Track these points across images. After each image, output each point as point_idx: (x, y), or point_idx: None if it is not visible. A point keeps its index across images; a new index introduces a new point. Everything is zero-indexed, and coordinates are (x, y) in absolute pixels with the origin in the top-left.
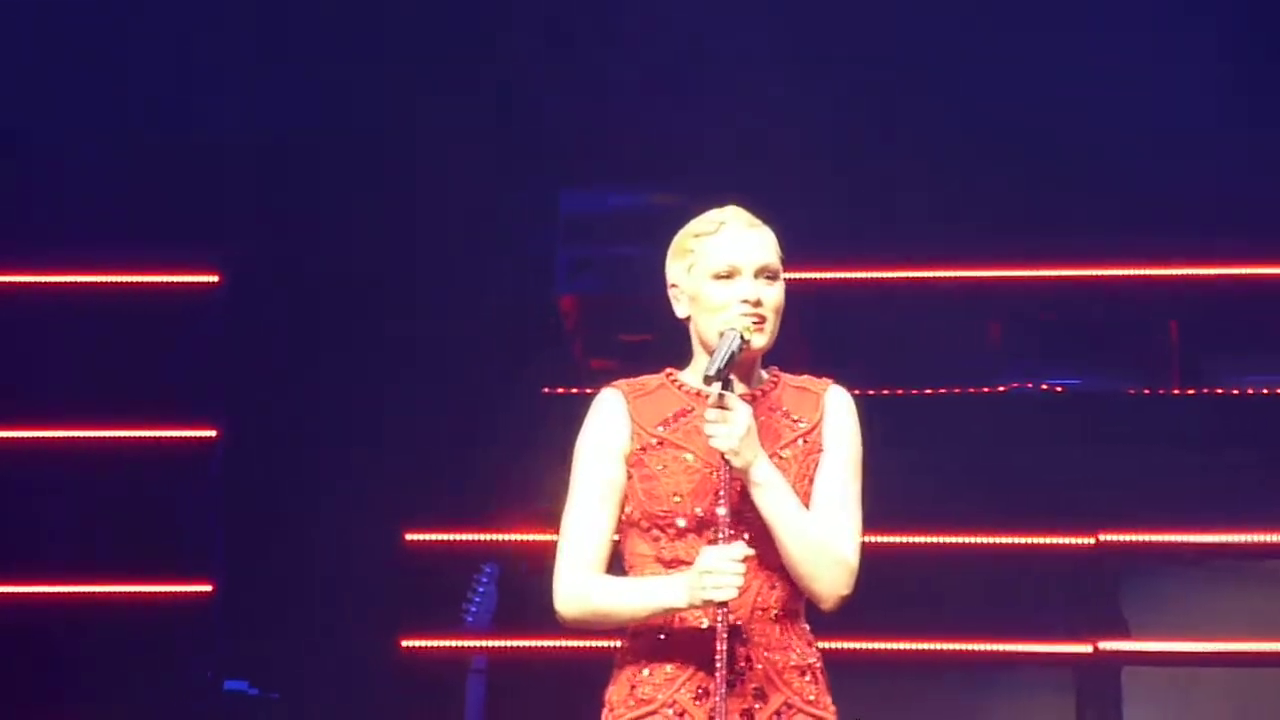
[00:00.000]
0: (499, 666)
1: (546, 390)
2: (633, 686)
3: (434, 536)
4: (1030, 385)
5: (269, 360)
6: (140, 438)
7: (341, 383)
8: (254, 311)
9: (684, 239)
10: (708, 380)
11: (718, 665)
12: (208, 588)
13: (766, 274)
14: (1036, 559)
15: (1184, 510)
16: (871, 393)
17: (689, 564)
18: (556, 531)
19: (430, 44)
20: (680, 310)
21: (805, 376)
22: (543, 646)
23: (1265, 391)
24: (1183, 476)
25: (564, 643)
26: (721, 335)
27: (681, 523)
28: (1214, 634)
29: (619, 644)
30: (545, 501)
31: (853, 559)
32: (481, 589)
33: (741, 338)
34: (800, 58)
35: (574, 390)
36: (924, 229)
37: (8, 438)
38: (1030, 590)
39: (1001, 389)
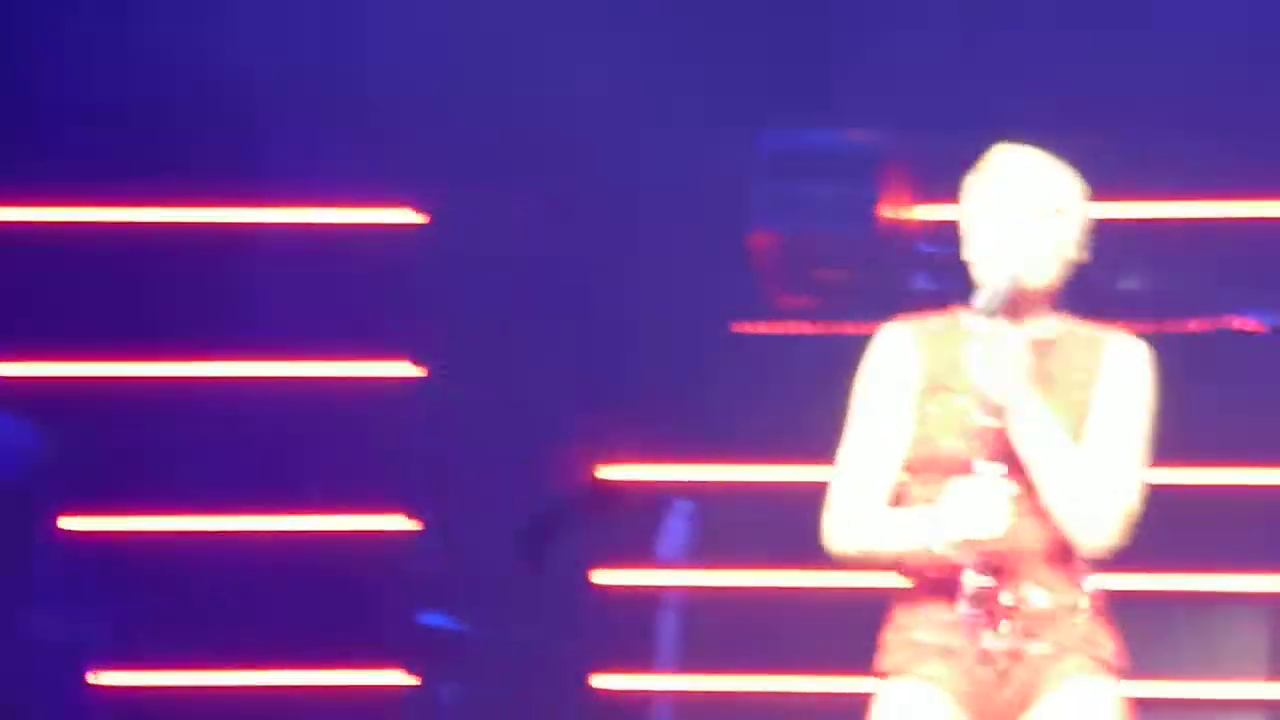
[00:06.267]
0: (693, 603)
1: (737, 328)
2: (905, 629)
3: (625, 473)
4: (1226, 324)
5: (469, 299)
6: (346, 376)
7: (539, 322)
8: (459, 252)
9: (968, 178)
10: (977, 315)
11: (971, 606)
12: (409, 523)
13: (1040, 211)
14: (1235, 496)
15: None
16: None
17: None
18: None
19: None
20: (965, 253)
21: (1102, 326)
22: (737, 585)
23: None
24: None
25: (758, 581)
26: (995, 271)
27: (954, 465)
28: None
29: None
30: (733, 439)
31: (1114, 510)
32: (674, 526)
33: (1012, 275)
34: None
35: (765, 329)
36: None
37: (211, 375)
38: (1229, 528)
39: (1208, 327)
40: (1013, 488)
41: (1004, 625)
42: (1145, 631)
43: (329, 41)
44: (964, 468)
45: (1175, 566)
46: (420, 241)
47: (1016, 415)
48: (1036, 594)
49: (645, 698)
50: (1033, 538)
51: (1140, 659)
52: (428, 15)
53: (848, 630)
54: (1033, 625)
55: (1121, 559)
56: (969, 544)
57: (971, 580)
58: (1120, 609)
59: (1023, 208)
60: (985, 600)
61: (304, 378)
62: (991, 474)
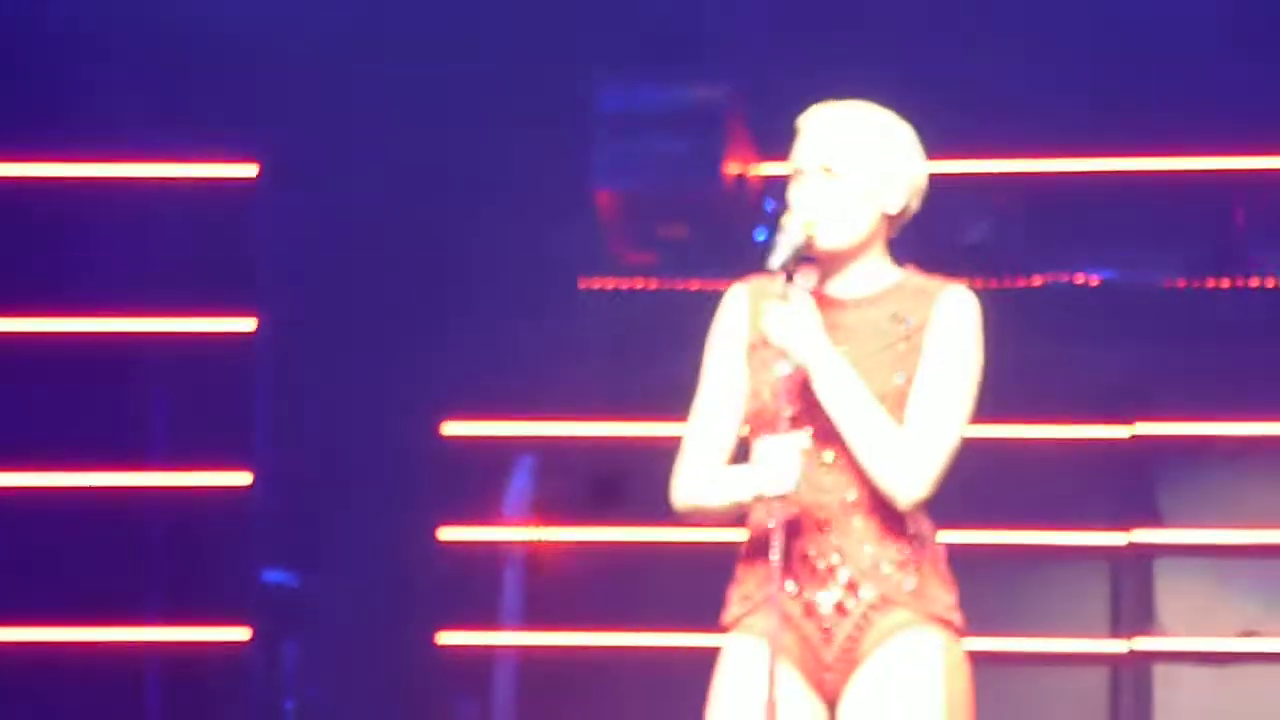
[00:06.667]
0: (536, 561)
1: (582, 284)
2: (740, 584)
3: (471, 428)
4: (1065, 278)
5: (306, 252)
6: (179, 332)
7: (378, 275)
8: (291, 204)
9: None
10: (772, 273)
11: (774, 559)
12: (247, 478)
13: (833, 167)
14: (1073, 451)
15: (1222, 404)
16: None
17: None
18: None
19: None
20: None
21: (935, 278)
22: (581, 541)
23: None
24: (1223, 370)
25: (602, 537)
26: (785, 228)
27: (780, 422)
28: (1248, 525)
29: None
30: (582, 393)
31: (921, 461)
32: (518, 482)
33: (804, 232)
34: None
35: (609, 285)
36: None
37: (46, 330)
38: (1067, 482)
39: (1037, 282)
40: (807, 442)
41: (825, 579)
42: (985, 586)
43: None
44: (787, 423)
45: (1017, 523)
46: (258, 194)
47: (812, 370)
48: (857, 547)
49: (489, 653)
50: (849, 491)
51: (982, 613)
52: None
53: (697, 585)
54: (855, 579)
55: (963, 513)
56: (767, 499)
57: (779, 534)
58: (960, 563)
59: (815, 164)
60: (796, 554)
61: (143, 333)
62: (790, 430)
